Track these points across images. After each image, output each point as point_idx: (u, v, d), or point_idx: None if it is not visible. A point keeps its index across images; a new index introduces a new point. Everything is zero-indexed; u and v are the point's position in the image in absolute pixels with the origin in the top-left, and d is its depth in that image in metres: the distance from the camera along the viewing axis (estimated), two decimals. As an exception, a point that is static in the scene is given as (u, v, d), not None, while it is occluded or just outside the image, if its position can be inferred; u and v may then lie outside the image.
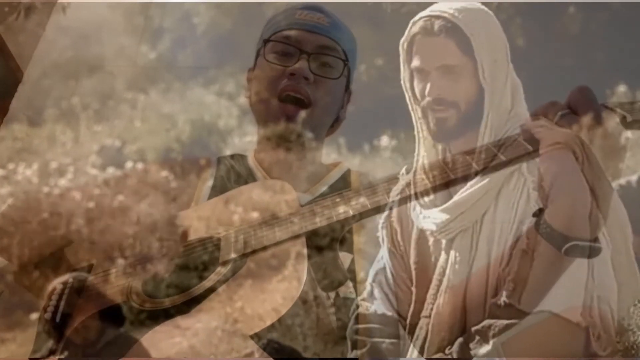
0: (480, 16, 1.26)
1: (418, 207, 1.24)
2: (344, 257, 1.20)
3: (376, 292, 1.22)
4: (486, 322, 1.10)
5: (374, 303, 1.21)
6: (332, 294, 1.14)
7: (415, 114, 1.29)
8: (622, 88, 1.51)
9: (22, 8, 1.73)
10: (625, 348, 1.11)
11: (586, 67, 1.62)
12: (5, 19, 1.73)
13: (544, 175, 1.12)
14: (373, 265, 1.25)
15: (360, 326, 1.17)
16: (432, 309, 1.17)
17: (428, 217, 1.22)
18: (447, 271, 1.18)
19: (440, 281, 1.18)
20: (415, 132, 1.29)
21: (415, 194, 1.19)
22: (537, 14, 1.70)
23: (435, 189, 1.18)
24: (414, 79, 1.27)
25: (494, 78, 1.22)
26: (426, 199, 1.22)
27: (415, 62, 1.25)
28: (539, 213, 1.08)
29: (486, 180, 1.17)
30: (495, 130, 1.21)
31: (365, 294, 1.22)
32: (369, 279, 1.23)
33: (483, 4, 1.29)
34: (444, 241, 1.20)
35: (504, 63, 1.24)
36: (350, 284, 1.18)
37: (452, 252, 1.18)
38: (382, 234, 1.27)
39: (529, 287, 1.08)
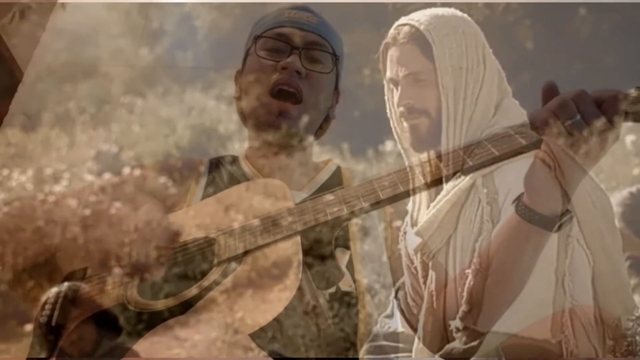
0: (451, 23, 1.24)
1: (408, 226, 1.23)
2: (341, 253, 1.18)
3: (396, 308, 1.20)
4: (447, 346, 1.08)
5: (392, 320, 1.18)
6: (332, 290, 1.12)
7: (396, 128, 1.28)
8: (633, 93, 1.48)
9: (16, 10, 1.71)
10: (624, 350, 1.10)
11: (596, 70, 1.60)
12: (-1, 21, 1.71)
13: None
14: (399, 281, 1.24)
15: (382, 343, 1.14)
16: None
17: (411, 237, 1.21)
18: (433, 292, 1.16)
19: (430, 302, 1.16)
20: (400, 147, 1.28)
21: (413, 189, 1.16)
22: (547, 16, 1.68)
23: (429, 185, 1.16)
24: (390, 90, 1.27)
25: (458, 87, 1.20)
26: (407, 218, 1.20)
27: (388, 73, 1.25)
28: (518, 201, 1.04)
29: (447, 198, 1.15)
30: (465, 138, 1.18)
31: (388, 311, 1.19)
32: (392, 295, 1.21)
33: (490, 5, 1.27)
34: (429, 262, 1.18)
35: (476, 71, 1.22)
36: (351, 282, 1.16)
37: (431, 272, 1.17)
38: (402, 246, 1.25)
39: (485, 307, 1.05)
